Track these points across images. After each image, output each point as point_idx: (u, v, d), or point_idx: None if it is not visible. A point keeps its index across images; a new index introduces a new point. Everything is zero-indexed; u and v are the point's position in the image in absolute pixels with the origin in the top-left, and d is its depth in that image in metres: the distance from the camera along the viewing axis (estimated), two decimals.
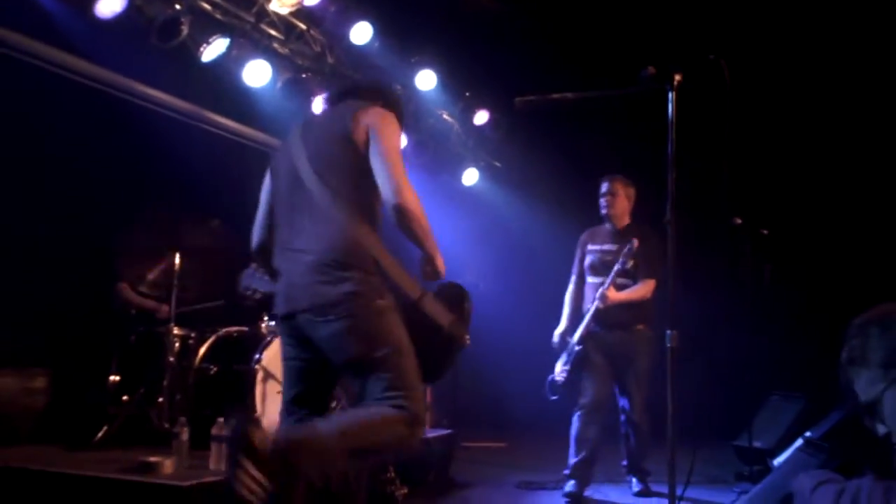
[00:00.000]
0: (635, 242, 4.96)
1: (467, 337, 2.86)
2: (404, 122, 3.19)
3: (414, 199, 2.81)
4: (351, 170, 2.89)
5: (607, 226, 5.30)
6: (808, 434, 4.55)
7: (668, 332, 3.00)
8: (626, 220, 5.27)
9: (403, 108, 3.31)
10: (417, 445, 2.84)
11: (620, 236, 5.19)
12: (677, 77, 2.97)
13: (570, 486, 5.03)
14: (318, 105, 6.25)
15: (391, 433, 2.75)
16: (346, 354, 2.82)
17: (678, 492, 2.94)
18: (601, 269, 5.17)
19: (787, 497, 2.11)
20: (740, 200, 5.48)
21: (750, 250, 5.52)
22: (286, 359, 3.06)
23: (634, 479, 5.30)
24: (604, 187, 5.27)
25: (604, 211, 5.25)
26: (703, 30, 6.29)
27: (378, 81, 3.32)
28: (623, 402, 5.22)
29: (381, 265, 2.85)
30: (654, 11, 7.00)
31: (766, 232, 5.58)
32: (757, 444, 5.95)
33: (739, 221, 5.45)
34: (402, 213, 2.79)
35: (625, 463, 5.37)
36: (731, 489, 5.54)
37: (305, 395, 3.02)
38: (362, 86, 3.32)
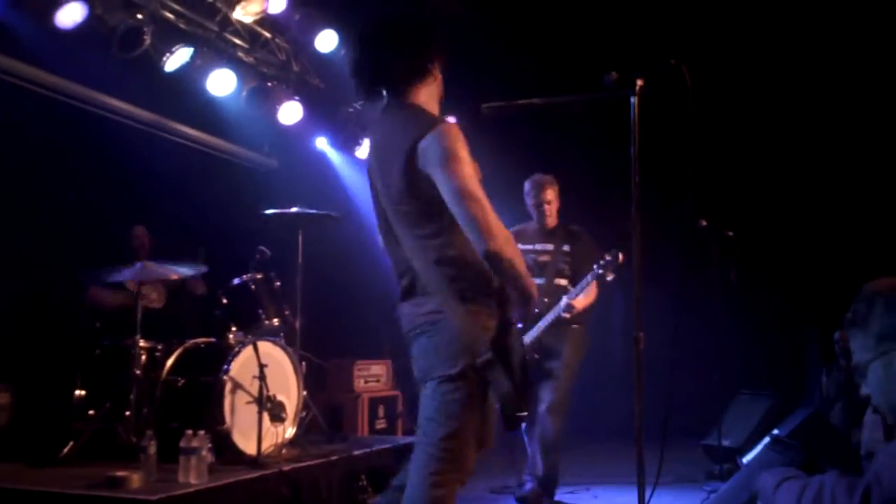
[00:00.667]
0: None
1: (520, 413, 2.57)
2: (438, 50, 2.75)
3: (504, 241, 2.56)
4: (429, 224, 2.65)
5: (535, 225, 5.19)
6: (775, 432, 4.61)
7: (635, 334, 3.01)
8: (555, 219, 5.18)
9: (433, 36, 2.76)
10: None
11: (552, 236, 5.13)
12: (639, 82, 3.00)
13: (527, 488, 4.97)
14: (286, 112, 6.22)
15: None
16: None
17: (647, 492, 2.96)
18: (536, 269, 5.03)
19: (755, 495, 2.12)
20: (706, 203, 5.54)
21: (716, 252, 5.60)
22: None
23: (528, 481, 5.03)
24: (537, 193, 5.12)
25: (542, 219, 5.13)
26: (665, 34, 6.36)
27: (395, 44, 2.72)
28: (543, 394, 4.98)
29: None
30: (618, 16, 7.06)
31: (731, 234, 5.66)
32: (726, 442, 6.01)
33: (705, 223, 5.53)
34: (494, 258, 2.55)
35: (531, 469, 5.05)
36: (700, 488, 5.59)
37: None
38: (391, 67, 2.73)
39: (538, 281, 4.96)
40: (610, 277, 4.81)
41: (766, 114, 7.58)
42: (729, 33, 7.13)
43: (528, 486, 4.96)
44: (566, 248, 5.08)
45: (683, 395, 6.56)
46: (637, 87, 2.98)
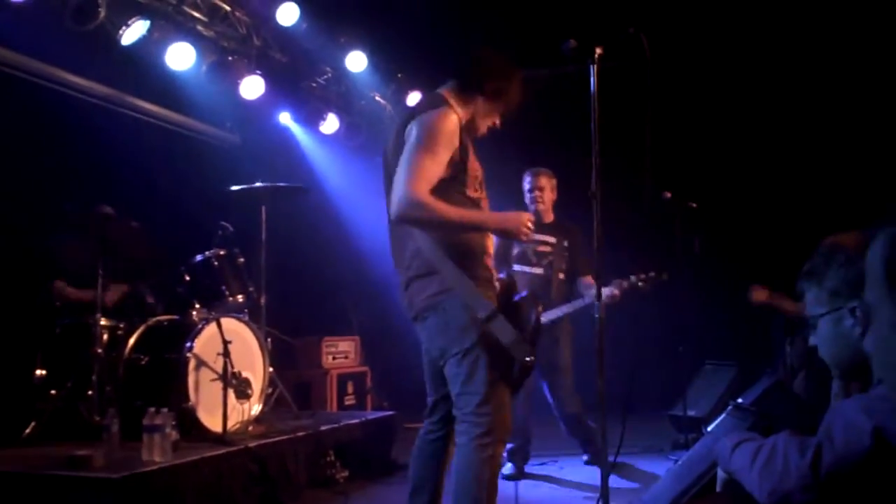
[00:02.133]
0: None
1: (529, 358, 2.85)
2: (493, 86, 3.09)
3: (413, 203, 2.77)
4: None
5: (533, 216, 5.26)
6: (738, 400, 4.67)
7: (596, 302, 3.02)
8: (552, 214, 5.32)
9: (499, 74, 3.13)
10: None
11: (552, 229, 5.24)
12: (598, 51, 2.99)
13: (508, 468, 5.14)
14: (248, 87, 6.13)
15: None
16: None
17: (610, 459, 2.98)
18: (535, 259, 5.19)
19: (715, 461, 2.14)
20: (669, 174, 5.56)
21: (679, 223, 5.64)
22: None
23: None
24: (530, 181, 5.28)
25: (533, 206, 5.22)
26: (625, 4, 6.34)
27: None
28: (554, 397, 5.25)
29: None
30: None
31: (694, 205, 5.70)
32: (691, 412, 6.09)
33: (669, 195, 5.56)
34: (407, 221, 2.86)
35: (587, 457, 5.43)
36: (667, 457, 5.66)
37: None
38: (449, 65, 3.18)
39: (537, 271, 5.17)
40: (642, 288, 5.03)
41: (728, 83, 7.61)
42: (689, 2, 7.13)
43: (510, 467, 5.20)
44: (566, 243, 5.21)
45: (648, 367, 6.64)
46: (596, 56, 2.97)
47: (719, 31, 7.29)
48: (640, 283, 4.99)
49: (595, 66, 3.00)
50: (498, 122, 3.19)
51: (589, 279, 5.05)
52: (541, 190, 5.23)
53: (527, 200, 5.29)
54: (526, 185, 5.29)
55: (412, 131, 2.88)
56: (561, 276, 5.20)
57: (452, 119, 2.90)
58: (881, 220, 1.06)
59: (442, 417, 3.14)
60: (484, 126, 3.15)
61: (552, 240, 5.22)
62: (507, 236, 3.06)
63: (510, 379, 2.91)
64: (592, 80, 3.03)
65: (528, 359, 2.84)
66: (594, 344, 3.03)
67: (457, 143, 2.90)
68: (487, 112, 3.12)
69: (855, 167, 7.14)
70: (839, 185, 7.21)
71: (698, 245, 5.78)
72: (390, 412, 5.91)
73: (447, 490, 3.08)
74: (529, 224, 2.94)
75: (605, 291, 4.50)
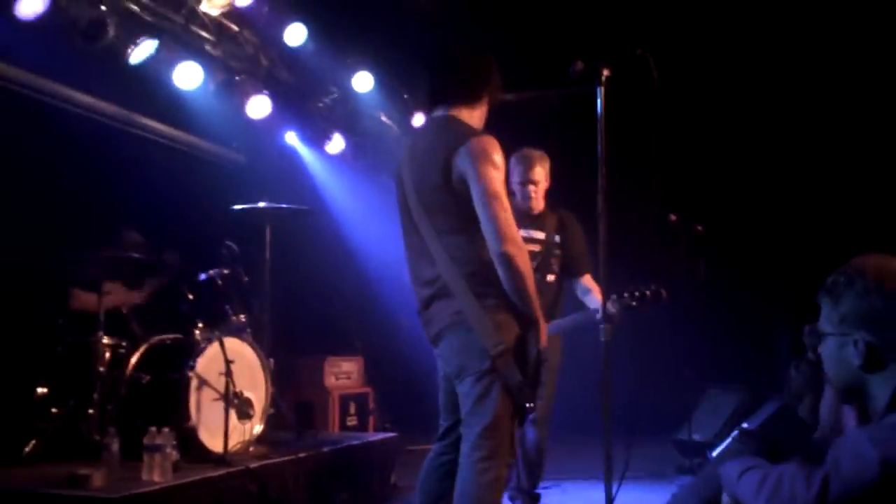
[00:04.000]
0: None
1: (529, 405, 2.87)
2: (497, 86, 3.16)
3: (519, 251, 2.82)
4: (456, 220, 2.93)
5: (518, 206, 4.36)
6: (744, 425, 4.63)
7: (602, 326, 3.00)
8: (542, 202, 4.52)
9: (492, 71, 3.16)
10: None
11: (540, 222, 4.48)
12: (605, 72, 2.99)
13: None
14: (254, 107, 6.14)
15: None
16: None
17: (614, 487, 2.95)
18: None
19: (720, 486, 2.12)
20: (675, 197, 5.56)
21: (685, 246, 5.62)
22: None
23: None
24: (523, 173, 4.41)
25: (527, 203, 4.43)
26: (633, 26, 6.37)
27: (458, 67, 3.11)
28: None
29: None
30: (589, 10, 7.06)
31: (700, 228, 5.69)
32: (696, 437, 6.04)
33: (674, 218, 5.55)
34: (505, 261, 2.80)
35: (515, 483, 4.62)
36: (672, 483, 5.60)
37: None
38: (449, 84, 3.11)
39: None
40: (638, 309, 4.17)
41: (736, 106, 7.62)
42: (697, 24, 7.15)
43: None
44: (557, 238, 4.47)
45: (654, 390, 6.59)
46: (603, 77, 2.97)
47: (727, 53, 7.31)
48: (633, 303, 4.14)
49: (602, 87, 2.99)
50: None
51: (589, 280, 4.41)
52: (536, 184, 4.43)
53: (515, 192, 4.40)
54: (515, 177, 4.41)
55: (469, 164, 2.85)
56: (551, 278, 4.45)
57: (496, 145, 2.93)
58: None
59: (455, 441, 3.09)
60: (483, 121, 3.17)
61: (541, 235, 4.45)
62: (537, 358, 2.92)
63: (515, 415, 2.91)
64: (599, 101, 3.02)
65: (528, 405, 2.86)
66: (597, 364, 3.00)
67: (503, 162, 2.95)
68: (485, 115, 3.16)
69: (861, 191, 7.13)
70: (845, 209, 7.19)
71: (703, 268, 5.77)
72: (392, 434, 5.87)
73: None
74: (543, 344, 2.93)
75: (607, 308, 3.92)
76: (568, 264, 4.49)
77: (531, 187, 4.42)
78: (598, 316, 3.68)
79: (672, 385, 6.31)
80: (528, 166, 4.42)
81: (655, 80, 2.95)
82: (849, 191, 7.25)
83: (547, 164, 4.50)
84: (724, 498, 1.98)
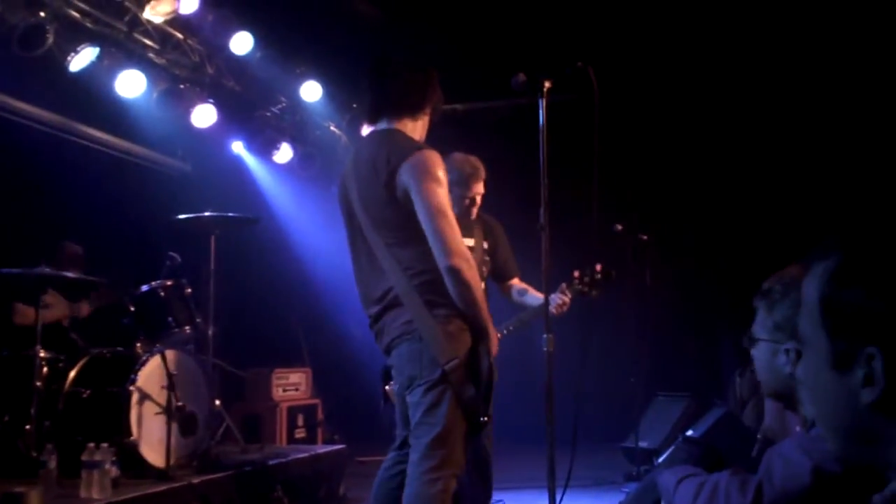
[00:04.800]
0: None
1: (483, 418, 2.88)
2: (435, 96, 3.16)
3: (467, 264, 2.85)
4: (401, 232, 2.94)
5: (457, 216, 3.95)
6: (689, 433, 4.69)
7: (545, 335, 3.01)
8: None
9: (434, 83, 3.17)
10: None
11: (471, 229, 4.21)
12: (547, 84, 3.00)
13: None
14: (199, 115, 6.06)
15: None
16: None
17: (558, 494, 2.95)
18: None
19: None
20: (620, 207, 5.62)
21: (630, 255, 5.68)
22: None
23: None
24: (473, 183, 4.13)
25: (467, 214, 4.11)
26: (575, 40, 6.44)
27: (401, 80, 3.10)
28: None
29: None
30: (532, 20, 7.12)
31: (645, 237, 5.76)
32: (643, 444, 6.11)
33: (620, 228, 5.61)
34: (453, 274, 2.82)
35: None
36: (620, 490, 5.65)
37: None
38: (391, 97, 3.11)
39: None
40: (594, 294, 4.11)
41: (679, 116, 7.75)
42: (638, 36, 7.26)
43: None
44: (486, 245, 4.29)
45: (601, 399, 6.65)
46: (545, 89, 2.99)
47: (669, 63, 7.42)
48: (584, 288, 4.07)
49: (544, 99, 3.01)
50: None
51: (519, 282, 4.30)
52: (480, 196, 4.20)
53: (455, 201, 3.89)
54: (461, 188, 4.07)
55: (412, 179, 2.86)
56: (482, 286, 4.08)
57: (439, 159, 2.94)
58: (818, 250, 1.06)
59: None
60: (425, 132, 3.19)
61: (471, 243, 4.18)
62: (490, 370, 2.94)
63: (469, 427, 2.91)
64: (541, 113, 3.04)
65: (482, 419, 2.86)
66: (540, 376, 3.01)
67: (445, 176, 2.96)
68: (426, 126, 3.18)
69: (803, 197, 7.29)
70: (788, 216, 7.35)
71: (649, 277, 5.84)
72: (341, 445, 5.82)
73: None
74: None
75: (554, 299, 3.99)
76: (499, 269, 4.35)
77: (477, 199, 4.20)
78: (552, 306, 3.73)
79: (620, 393, 6.36)
80: (477, 179, 4.19)
81: (596, 92, 2.98)
82: (791, 197, 7.41)
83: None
84: None
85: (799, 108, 7.31)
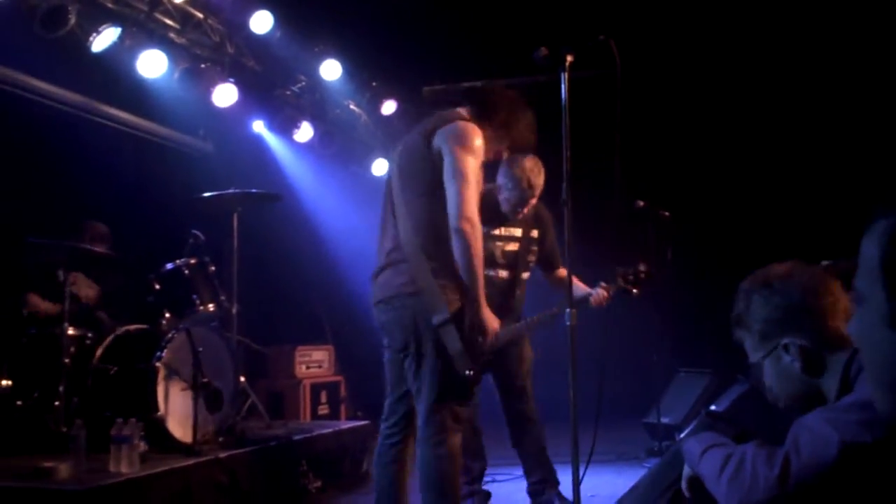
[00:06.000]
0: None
1: (468, 371, 2.97)
2: (500, 122, 3.28)
3: (475, 231, 2.97)
4: (424, 185, 3.08)
5: (501, 205, 4.25)
6: (711, 407, 4.69)
7: (568, 310, 3.02)
8: None
9: (498, 107, 3.32)
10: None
11: (527, 218, 4.32)
12: (569, 58, 2.99)
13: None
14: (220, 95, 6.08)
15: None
16: None
17: (581, 468, 2.97)
18: (502, 259, 4.29)
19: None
20: (643, 183, 5.59)
21: (652, 232, 5.66)
22: None
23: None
24: (532, 182, 4.17)
25: (523, 206, 4.21)
26: (597, 14, 6.38)
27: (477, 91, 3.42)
28: (518, 400, 4.45)
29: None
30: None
31: (667, 214, 5.72)
32: (665, 420, 6.11)
33: (642, 204, 5.58)
34: (460, 237, 2.96)
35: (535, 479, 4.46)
36: (641, 465, 5.67)
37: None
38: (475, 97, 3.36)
39: (503, 274, 4.28)
40: (636, 293, 4.32)
41: (702, 91, 7.67)
42: (661, 9, 7.18)
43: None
44: (535, 233, 4.34)
45: (624, 375, 6.64)
46: (567, 63, 2.97)
47: (693, 37, 7.35)
48: (626, 286, 4.25)
49: (566, 73, 3.00)
50: (504, 153, 3.40)
51: (564, 272, 3.88)
52: (540, 189, 4.21)
53: (509, 196, 4.19)
54: (523, 183, 4.14)
55: (447, 143, 3.03)
56: (525, 276, 4.35)
57: (479, 134, 3.10)
58: (879, 208, 1.05)
59: (399, 420, 3.24)
60: (490, 152, 3.27)
61: (518, 232, 4.31)
62: (474, 326, 3.06)
63: (457, 387, 3.03)
64: (563, 87, 3.02)
65: (467, 372, 2.96)
66: (564, 352, 3.02)
67: (482, 154, 3.11)
68: (494, 140, 3.27)
69: (829, 175, 7.21)
70: (811, 193, 7.28)
71: (671, 253, 5.81)
72: (364, 421, 5.87)
73: (414, 489, 3.15)
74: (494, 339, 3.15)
75: (593, 292, 4.24)
76: (545, 258, 4.47)
77: (533, 197, 4.23)
78: (591, 298, 4.23)
79: (642, 370, 6.36)
80: (540, 178, 4.21)
81: (618, 66, 2.97)
82: (817, 174, 7.34)
83: None
84: (685, 470, 2.00)
85: (830, 77, 7.22)
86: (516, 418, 4.44)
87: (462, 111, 3.24)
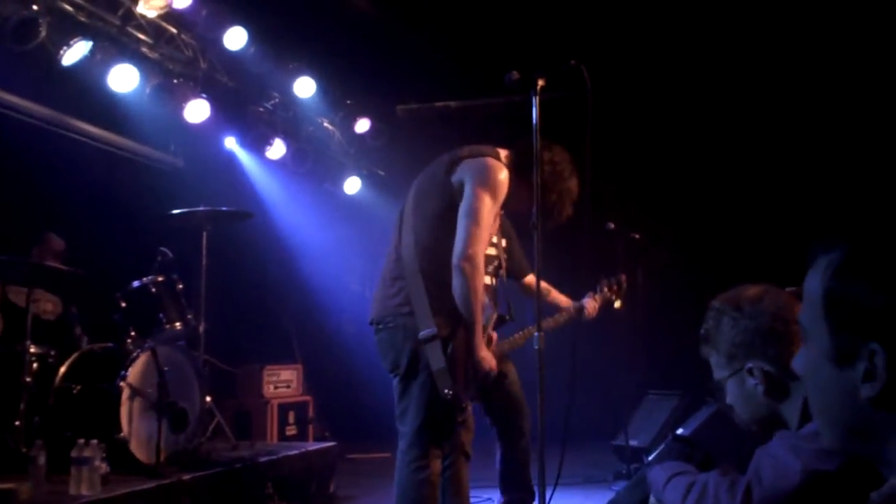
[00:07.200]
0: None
1: (447, 391, 2.95)
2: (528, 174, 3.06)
3: (477, 272, 2.98)
4: (433, 210, 3.11)
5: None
6: (679, 431, 4.70)
7: (536, 334, 3.01)
8: None
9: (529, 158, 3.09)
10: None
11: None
12: (540, 82, 3.00)
13: None
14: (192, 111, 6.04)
15: None
16: None
17: (548, 491, 2.95)
18: (487, 265, 4.09)
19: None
20: (613, 205, 5.62)
21: (622, 254, 5.68)
22: None
23: None
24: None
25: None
26: (569, 39, 6.43)
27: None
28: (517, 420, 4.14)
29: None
30: (528, 19, 7.12)
31: (637, 236, 5.76)
32: (633, 442, 6.11)
33: (612, 226, 5.60)
34: (460, 274, 2.97)
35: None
36: (609, 488, 5.66)
37: None
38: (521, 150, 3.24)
39: (486, 281, 3.87)
40: (617, 305, 4.38)
41: (672, 114, 7.75)
42: (632, 35, 7.26)
43: None
44: (504, 243, 4.12)
45: (592, 397, 6.64)
46: (538, 87, 2.98)
47: (664, 60, 7.42)
48: (612, 296, 4.31)
49: (537, 97, 3.01)
50: (524, 210, 3.18)
51: (533, 279, 3.93)
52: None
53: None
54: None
55: (471, 178, 3.04)
56: (494, 281, 4.06)
57: (503, 170, 3.10)
58: (822, 243, 1.05)
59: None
60: (519, 204, 3.20)
61: (504, 242, 4.02)
62: (474, 363, 3.05)
63: (443, 411, 3.01)
64: (534, 110, 3.04)
65: (445, 391, 2.95)
66: (532, 374, 3.01)
67: (502, 197, 3.09)
68: (528, 200, 3.08)
69: (795, 196, 7.30)
70: (781, 216, 7.36)
71: (641, 276, 5.84)
72: (332, 443, 5.82)
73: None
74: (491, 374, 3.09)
75: (583, 304, 4.19)
76: (516, 266, 4.25)
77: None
78: (586, 310, 4.17)
79: (612, 391, 6.37)
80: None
81: (589, 90, 2.98)
82: (786, 194, 7.42)
83: None
84: (652, 500, 2.00)
85: (794, 104, 7.32)
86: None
87: (502, 152, 3.23)
